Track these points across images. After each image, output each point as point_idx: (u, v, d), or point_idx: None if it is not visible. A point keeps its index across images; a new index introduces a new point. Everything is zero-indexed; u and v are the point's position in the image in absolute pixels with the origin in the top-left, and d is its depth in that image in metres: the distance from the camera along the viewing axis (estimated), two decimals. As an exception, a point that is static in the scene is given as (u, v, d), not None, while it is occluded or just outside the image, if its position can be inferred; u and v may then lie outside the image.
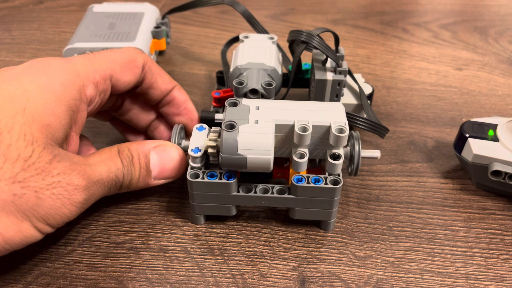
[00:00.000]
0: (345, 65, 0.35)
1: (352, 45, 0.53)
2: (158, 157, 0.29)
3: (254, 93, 0.32)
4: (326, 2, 0.63)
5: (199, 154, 0.28)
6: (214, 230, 0.30)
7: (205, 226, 0.30)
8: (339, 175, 0.28)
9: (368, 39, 0.54)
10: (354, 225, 0.31)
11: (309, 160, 0.30)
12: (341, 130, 0.27)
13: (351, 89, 0.37)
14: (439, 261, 0.29)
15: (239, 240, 0.30)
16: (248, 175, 0.31)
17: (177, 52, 0.51)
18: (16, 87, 0.24)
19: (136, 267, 0.28)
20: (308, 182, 0.28)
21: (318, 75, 0.35)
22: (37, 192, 0.23)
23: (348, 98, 0.36)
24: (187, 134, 0.33)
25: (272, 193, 0.29)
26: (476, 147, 0.32)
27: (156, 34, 0.45)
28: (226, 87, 0.39)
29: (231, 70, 0.35)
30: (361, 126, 0.32)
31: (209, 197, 0.29)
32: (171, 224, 0.31)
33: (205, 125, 0.30)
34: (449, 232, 0.30)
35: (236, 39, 0.43)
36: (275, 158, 0.29)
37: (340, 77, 0.34)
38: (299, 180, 0.28)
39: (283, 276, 0.28)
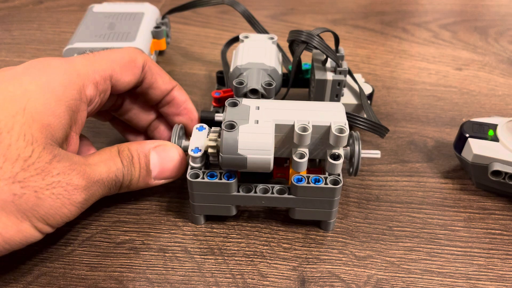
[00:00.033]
0: (345, 65, 0.35)
1: (352, 45, 0.53)
2: (158, 157, 0.29)
3: (254, 93, 0.32)
4: (326, 2, 0.63)
5: (199, 154, 0.28)
6: (214, 230, 0.30)
7: (205, 226, 0.30)
8: (339, 175, 0.28)
9: (368, 39, 0.54)
10: (354, 225, 0.31)
11: (309, 160, 0.30)
12: (341, 130, 0.27)
13: (351, 89, 0.37)
14: (439, 261, 0.29)
15: (239, 240, 0.30)
16: (248, 175, 0.31)
17: (177, 52, 0.51)
18: (16, 87, 0.24)
19: (136, 267, 0.28)
20: (308, 182, 0.28)
21: (318, 75, 0.35)
22: (37, 192, 0.23)
23: (348, 98, 0.36)
24: (187, 134, 0.33)
25: (272, 193, 0.29)
26: (476, 147, 0.32)
27: (156, 34, 0.45)
28: (226, 87, 0.39)
29: (231, 70, 0.35)
30: (361, 126, 0.32)
31: (209, 197, 0.29)
32: (171, 224, 0.31)
33: (205, 125, 0.30)
34: (449, 232, 0.30)
35: (236, 39, 0.43)
36: (275, 158, 0.29)
37: (340, 77, 0.34)
38: (299, 180, 0.28)
39: (283, 276, 0.28)
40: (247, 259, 0.28)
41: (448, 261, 0.29)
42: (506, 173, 0.31)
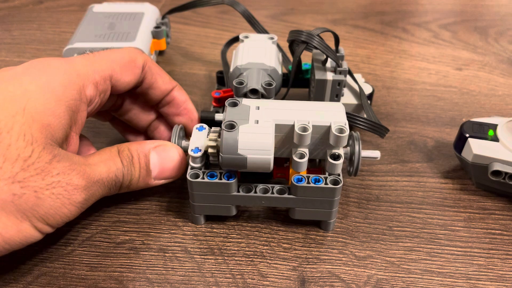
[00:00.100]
0: (345, 65, 0.35)
1: (352, 45, 0.53)
2: (158, 157, 0.29)
3: (254, 93, 0.32)
4: (326, 2, 0.63)
5: (199, 154, 0.28)
6: (214, 230, 0.30)
7: (205, 226, 0.30)
8: (339, 175, 0.28)
9: (368, 39, 0.54)
10: (354, 225, 0.31)
11: (309, 160, 0.30)
12: (341, 130, 0.27)
13: (351, 89, 0.37)
14: (439, 261, 0.29)
15: (239, 240, 0.30)
16: (248, 175, 0.31)
17: (177, 52, 0.51)
18: (16, 87, 0.24)
19: (136, 267, 0.28)
20: (308, 182, 0.28)
21: (318, 75, 0.35)
22: (36, 192, 0.23)
23: (348, 98, 0.36)
24: (187, 134, 0.33)
25: (272, 193, 0.29)
26: (476, 147, 0.32)
27: (156, 34, 0.45)
28: (226, 87, 0.39)
29: (231, 70, 0.35)
30: (361, 126, 0.32)
31: (209, 197, 0.29)
32: (171, 224, 0.31)
33: (205, 125, 0.30)
34: (449, 232, 0.30)
35: (236, 39, 0.43)
36: (275, 158, 0.29)
37: (340, 77, 0.34)
38: (299, 180, 0.28)
39: (283, 276, 0.27)
40: (247, 259, 0.28)
41: (448, 261, 0.29)
42: (506, 173, 0.31)
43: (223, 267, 0.28)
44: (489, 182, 0.32)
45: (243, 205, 0.30)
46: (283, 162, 0.31)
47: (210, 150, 0.28)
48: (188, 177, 0.28)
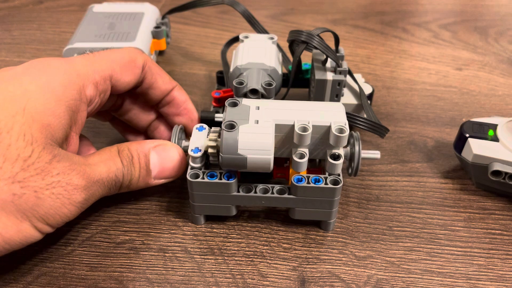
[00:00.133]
0: (345, 65, 0.35)
1: (352, 45, 0.53)
2: (158, 157, 0.29)
3: (254, 93, 0.32)
4: (326, 2, 0.63)
5: (199, 154, 0.28)
6: (214, 230, 0.30)
7: (205, 226, 0.30)
8: (339, 175, 0.28)
9: (368, 39, 0.54)
10: (354, 225, 0.31)
11: (309, 160, 0.30)
12: (341, 130, 0.27)
13: (351, 89, 0.37)
14: (439, 261, 0.29)
15: (239, 240, 0.30)
16: (248, 175, 0.31)
17: (177, 52, 0.51)
18: (16, 87, 0.24)
19: (136, 267, 0.28)
20: (308, 182, 0.28)
21: (318, 75, 0.35)
22: (36, 192, 0.23)
23: (348, 98, 0.36)
24: (187, 134, 0.33)
25: (272, 193, 0.29)
26: (476, 147, 0.32)
27: (156, 34, 0.45)
28: (226, 87, 0.39)
29: (231, 70, 0.35)
30: (361, 126, 0.32)
31: (209, 197, 0.29)
32: (171, 224, 0.31)
33: (205, 125, 0.30)
34: (449, 232, 0.30)
35: (236, 39, 0.43)
36: (275, 158, 0.29)
37: (340, 77, 0.34)
38: (299, 180, 0.28)
39: (283, 276, 0.27)
40: (247, 259, 0.28)
41: (448, 261, 0.29)
42: (506, 173, 0.31)
43: (223, 267, 0.28)
44: (489, 182, 0.32)
45: (243, 205, 0.30)
46: (283, 162, 0.31)
47: (210, 150, 0.28)
48: (188, 177, 0.28)
